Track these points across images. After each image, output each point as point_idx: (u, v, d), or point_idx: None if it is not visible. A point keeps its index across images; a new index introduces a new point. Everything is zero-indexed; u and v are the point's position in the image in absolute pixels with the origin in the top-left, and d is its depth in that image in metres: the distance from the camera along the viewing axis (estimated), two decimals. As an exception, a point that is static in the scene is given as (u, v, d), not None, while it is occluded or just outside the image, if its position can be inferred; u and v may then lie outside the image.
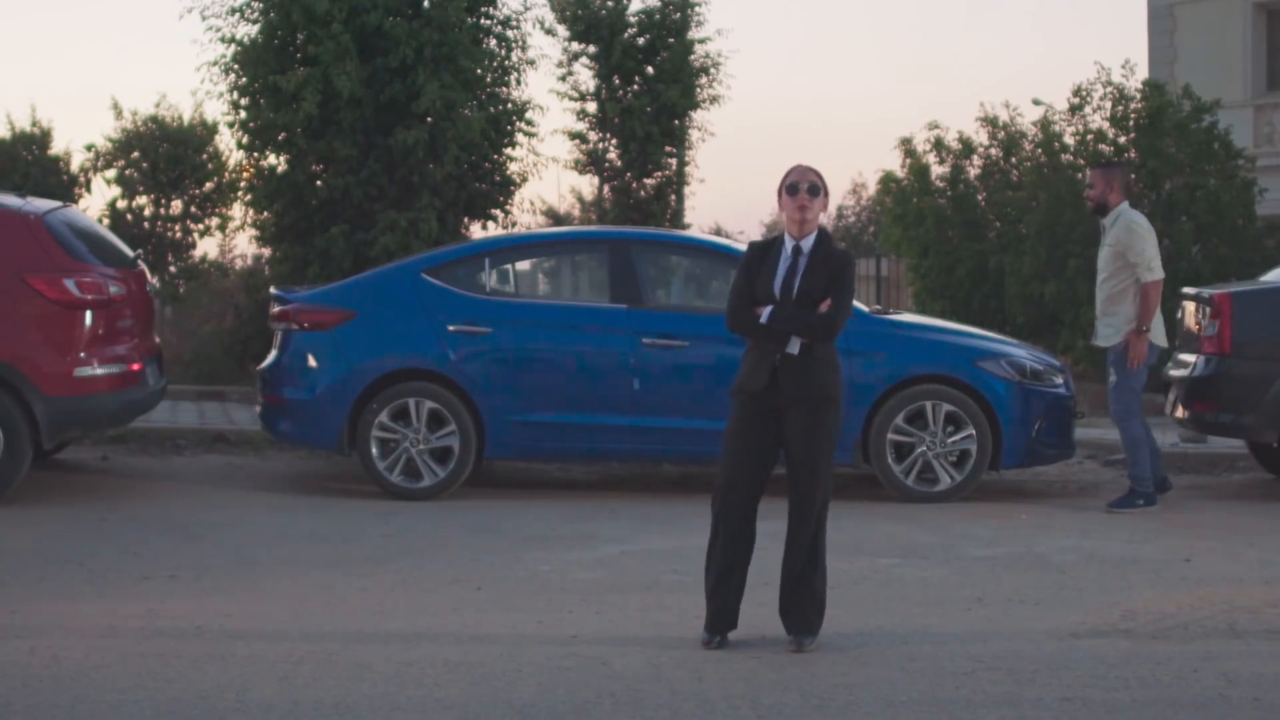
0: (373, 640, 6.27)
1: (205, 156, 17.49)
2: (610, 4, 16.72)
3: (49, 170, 17.35)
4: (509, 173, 15.52)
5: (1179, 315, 11.83)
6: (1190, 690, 5.70)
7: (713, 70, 16.94)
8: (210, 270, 18.15)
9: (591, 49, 16.76)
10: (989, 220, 19.13)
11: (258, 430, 11.57)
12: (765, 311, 6.23)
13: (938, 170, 19.28)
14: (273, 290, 11.13)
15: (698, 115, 17.01)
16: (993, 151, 19.21)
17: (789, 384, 6.19)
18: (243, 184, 15.86)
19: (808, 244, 6.28)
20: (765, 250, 6.35)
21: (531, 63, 15.73)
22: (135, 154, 17.37)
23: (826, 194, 6.34)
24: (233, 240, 19.17)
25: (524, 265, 11.16)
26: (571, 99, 16.97)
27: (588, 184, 18.79)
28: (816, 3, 68.91)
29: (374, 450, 10.14)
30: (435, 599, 7.13)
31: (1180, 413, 11.06)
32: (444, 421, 10.14)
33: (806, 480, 6.19)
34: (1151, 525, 9.52)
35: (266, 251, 16.13)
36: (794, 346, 6.21)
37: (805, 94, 69.17)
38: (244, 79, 14.72)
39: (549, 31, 16.79)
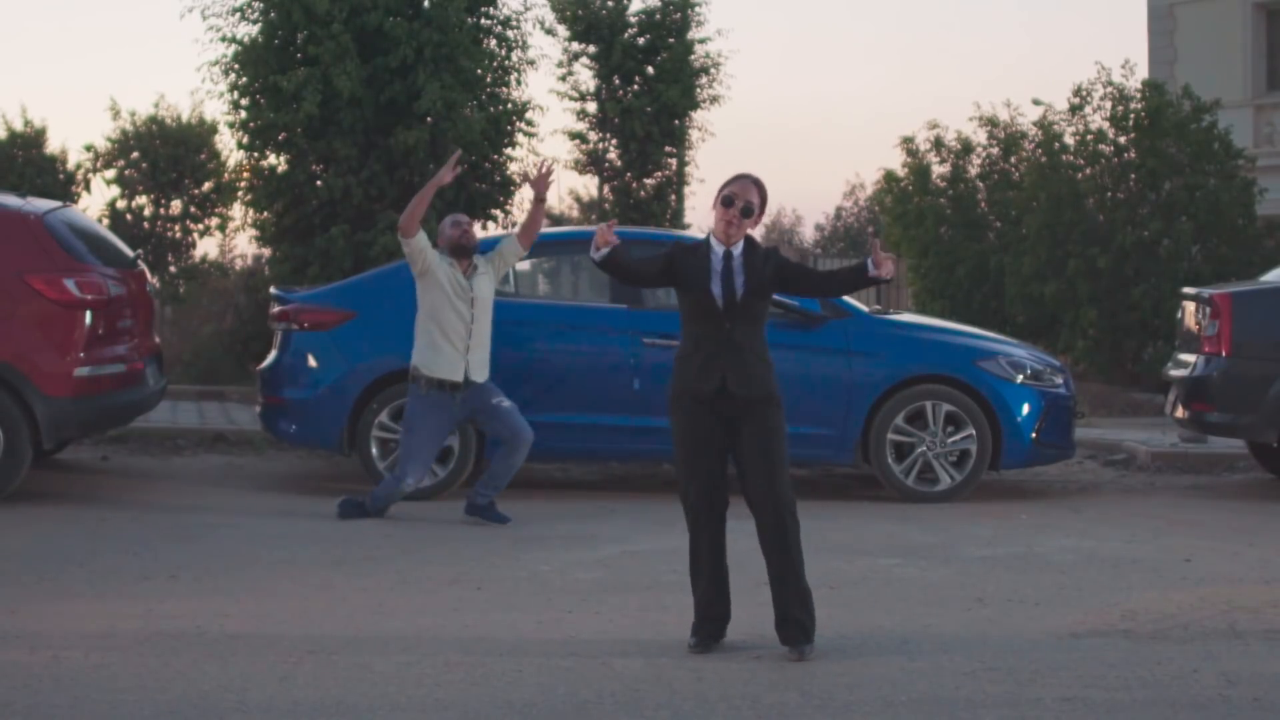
0: (373, 640, 6.27)
1: (204, 156, 17.51)
2: (610, 4, 16.73)
3: (44, 169, 17.38)
4: (509, 173, 15.54)
5: (1179, 315, 11.83)
6: (1190, 690, 5.70)
7: (713, 70, 16.97)
8: (210, 270, 18.17)
9: (591, 49, 16.78)
10: (989, 220, 19.17)
11: (258, 430, 11.57)
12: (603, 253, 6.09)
13: (938, 170, 19.31)
14: (273, 290, 11.13)
15: (698, 115, 17.04)
16: (992, 151, 19.24)
17: (739, 386, 6.12)
18: (242, 184, 15.88)
19: (737, 249, 6.21)
20: (691, 251, 6.25)
21: (531, 63, 15.76)
22: (135, 154, 17.39)
23: (760, 215, 6.23)
24: (233, 240, 19.23)
25: (524, 265, 11.15)
26: (571, 99, 17.00)
27: (587, 184, 18.81)
28: (815, 3, 68.93)
29: (374, 450, 10.14)
30: (435, 599, 7.13)
31: (1180, 413, 11.06)
32: (444, 422, 10.12)
33: (771, 483, 6.08)
34: (1151, 525, 9.51)
35: (266, 251, 16.15)
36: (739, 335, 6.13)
37: (804, 94, 69.22)
38: (244, 79, 14.73)
39: (549, 31, 16.83)
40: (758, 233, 6.42)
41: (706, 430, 6.18)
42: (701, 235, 6.60)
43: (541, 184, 9.23)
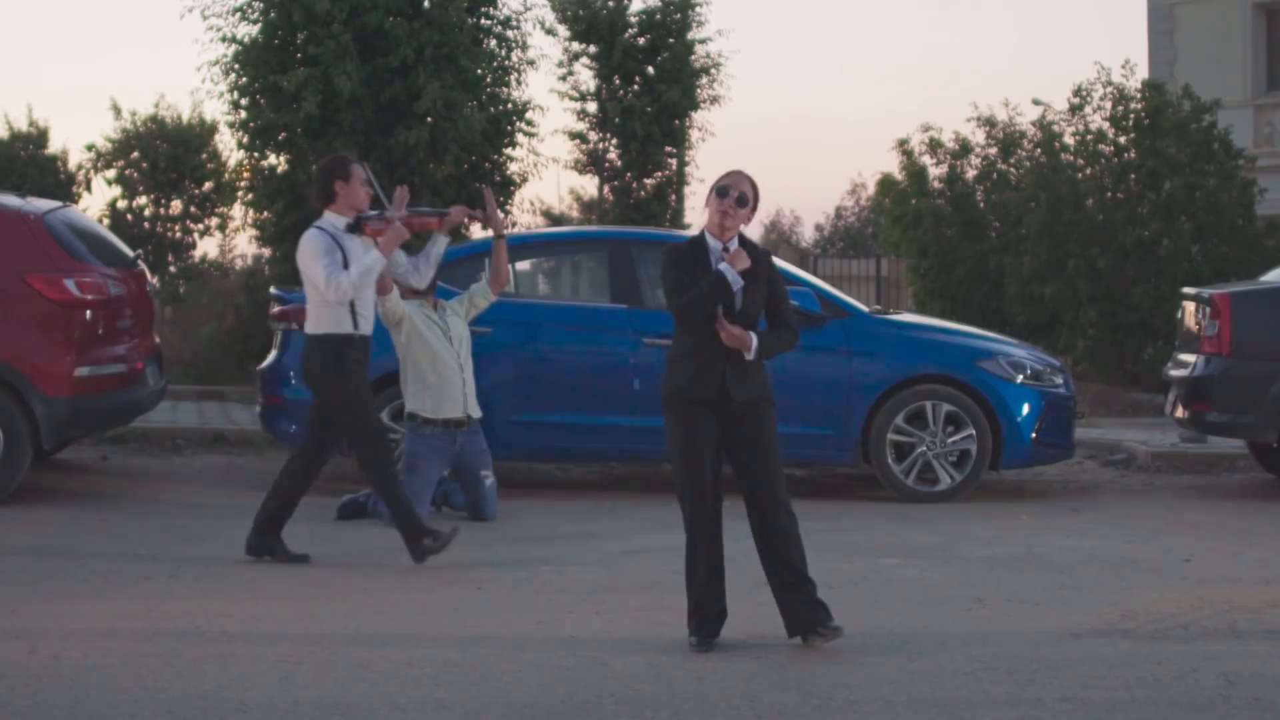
0: (373, 640, 6.27)
1: (205, 156, 17.52)
2: (611, 4, 16.73)
3: (45, 169, 17.38)
4: (509, 173, 15.53)
5: (1179, 315, 11.83)
6: (1190, 690, 5.70)
7: (713, 71, 16.97)
8: (210, 270, 18.17)
9: (592, 49, 16.78)
10: (988, 220, 19.16)
11: (258, 430, 11.57)
12: (754, 347, 6.14)
13: (935, 171, 19.30)
14: (273, 290, 11.14)
15: (698, 115, 17.04)
16: (990, 151, 19.23)
17: (739, 389, 6.16)
18: (242, 184, 15.90)
19: (734, 247, 6.20)
20: (693, 250, 6.24)
21: (532, 63, 15.76)
22: (135, 154, 17.40)
23: (754, 208, 6.24)
24: (233, 240, 19.22)
25: (524, 265, 11.15)
26: (572, 99, 17.00)
27: (587, 184, 18.80)
28: (815, 3, 68.94)
29: (374, 450, 10.12)
30: (435, 599, 7.13)
31: (1180, 413, 11.06)
32: (444, 421, 10.11)
33: (772, 480, 6.15)
34: (1151, 525, 9.52)
35: (266, 251, 16.15)
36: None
37: (804, 94, 69.21)
38: (244, 79, 14.74)
39: (549, 31, 16.83)
40: (754, 232, 6.43)
41: (702, 432, 6.20)
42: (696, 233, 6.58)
43: (496, 219, 9.24)
